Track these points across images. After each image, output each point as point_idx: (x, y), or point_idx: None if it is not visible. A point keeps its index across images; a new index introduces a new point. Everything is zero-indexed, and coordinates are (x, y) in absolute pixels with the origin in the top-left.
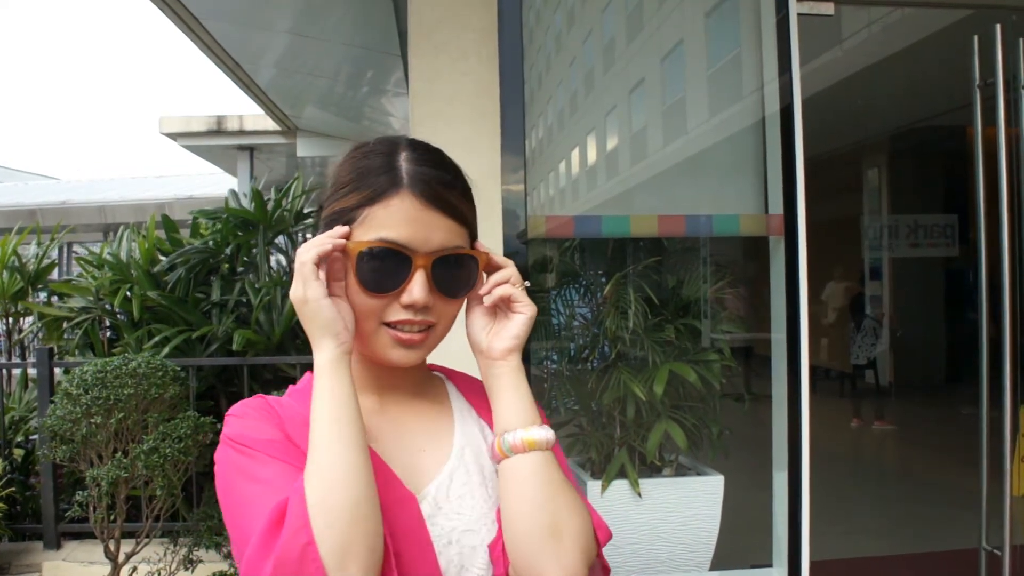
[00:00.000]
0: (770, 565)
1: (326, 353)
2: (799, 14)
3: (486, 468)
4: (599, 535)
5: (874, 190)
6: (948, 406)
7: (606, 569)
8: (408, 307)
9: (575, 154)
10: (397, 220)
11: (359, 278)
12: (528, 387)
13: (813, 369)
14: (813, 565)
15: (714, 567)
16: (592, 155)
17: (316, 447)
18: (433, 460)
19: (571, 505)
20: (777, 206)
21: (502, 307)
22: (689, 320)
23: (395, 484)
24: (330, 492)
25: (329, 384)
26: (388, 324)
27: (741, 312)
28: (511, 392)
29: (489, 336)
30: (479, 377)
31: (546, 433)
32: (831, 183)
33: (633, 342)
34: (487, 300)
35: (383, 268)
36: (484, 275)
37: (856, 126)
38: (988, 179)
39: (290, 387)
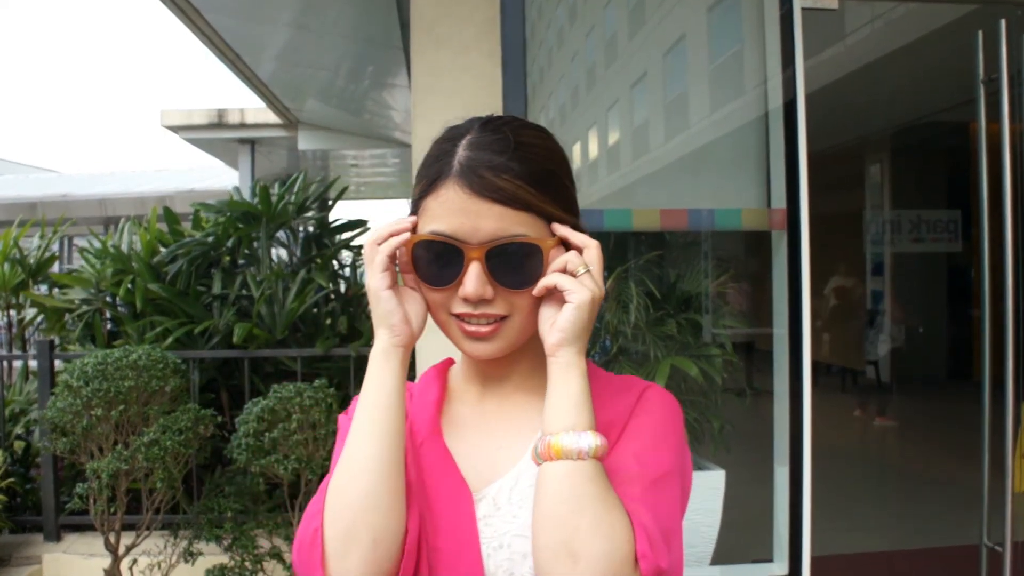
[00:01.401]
0: (771, 560)
1: (377, 344)
2: (803, 8)
3: None
4: (641, 566)
5: (876, 185)
6: (949, 402)
7: None
8: (466, 300)
9: (577, 148)
10: (446, 211)
11: (417, 271)
12: (579, 387)
13: (815, 365)
14: (814, 560)
15: (715, 562)
16: (594, 149)
17: (348, 436)
18: (507, 459)
19: (596, 526)
20: (780, 200)
21: (558, 296)
22: (691, 314)
23: (453, 479)
24: (345, 481)
25: (372, 374)
26: (456, 315)
27: (743, 307)
28: (555, 391)
29: (546, 329)
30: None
31: (580, 441)
32: (834, 178)
33: (635, 336)
34: (535, 291)
35: (437, 261)
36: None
37: (859, 121)
38: (991, 175)
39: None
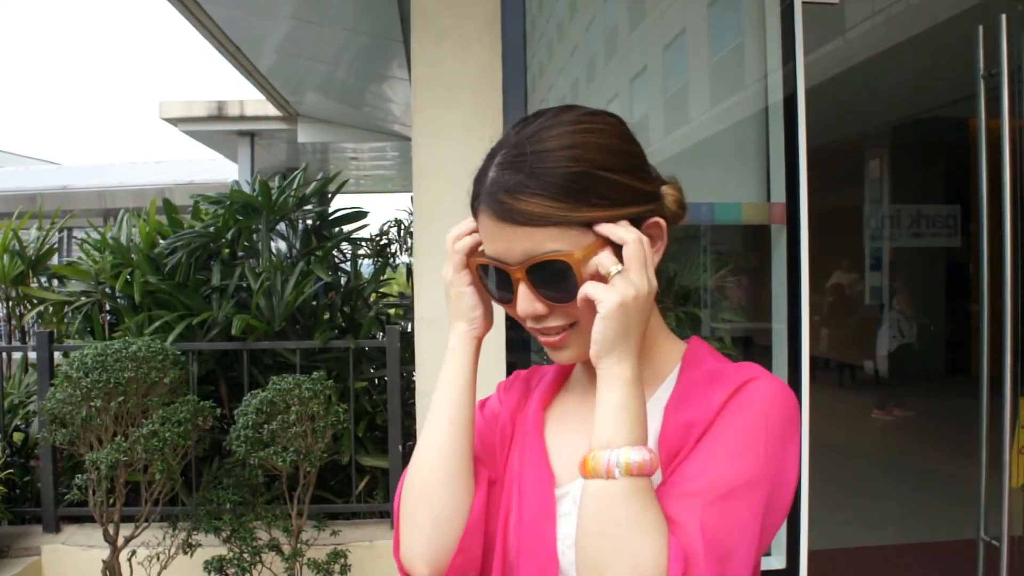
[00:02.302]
0: (768, 554)
1: (452, 337)
2: (804, 2)
3: None
4: None
5: (876, 180)
6: (948, 397)
7: None
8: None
9: None
10: (486, 235)
11: (486, 288)
12: (619, 399)
13: (813, 360)
14: (812, 554)
15: None
16: None
17: (424, 424)
18: None
19: (620, 551)
20: (779, 195)
21: None
22: (690, 308)
23: (542, 471)
24: (414, 468)
25: (447, 367)
26: (530, 328)
27: (742, 301)
28: (598, 404)
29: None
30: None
31: (612, 458)
32: (833, 173)
33: None
34: (579, 304)
35: (495, 281)
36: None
37: (859, 116)
38: (991, 170)
39: None
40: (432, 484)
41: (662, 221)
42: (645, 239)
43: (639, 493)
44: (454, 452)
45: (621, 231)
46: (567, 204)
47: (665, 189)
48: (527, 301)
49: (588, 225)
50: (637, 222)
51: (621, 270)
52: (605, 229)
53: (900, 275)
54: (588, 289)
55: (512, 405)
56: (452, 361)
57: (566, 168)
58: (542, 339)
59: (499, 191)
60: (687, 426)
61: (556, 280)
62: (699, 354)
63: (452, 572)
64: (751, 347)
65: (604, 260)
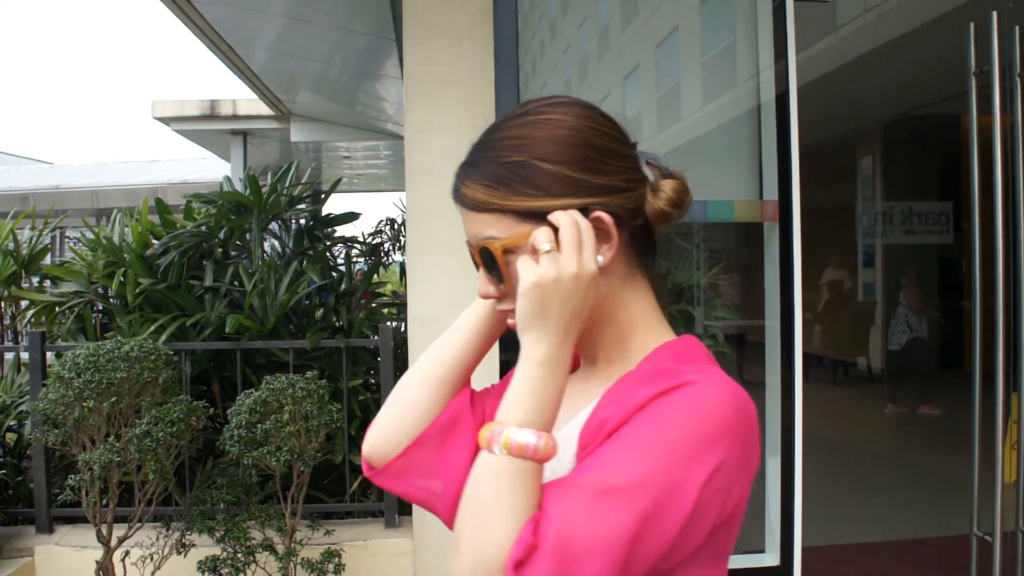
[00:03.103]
0: (763, 551)
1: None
2: (796, 0)
3: (558, 470)
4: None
5: (868, 177)
6: (941, 393)
7: None
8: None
9: None
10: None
11: None
12: (523, 379)
13: (806, 356)
14: (805, 551)
15: None
16: None
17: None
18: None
19: (476, 523)
20: (772, 192)
21: None
22: (683, 306)
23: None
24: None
25: (457, 320)
26: None
27: (735, 298)
28: (511, 382)
29: None
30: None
31: (496, 435)
32: (826, 170)
33: None
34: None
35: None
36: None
37: (851, 113)
38: (983, 167)
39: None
40: (408, 387)
41: (604, 216)
42: (584, 223)
43: (513, 474)
44: (436, 373)
45: (558, 213)
46: (500, 192)
47: (662, 184)
48: (481, 282)
49: (523, 214)
50: (584, 214)
51: (549, 250)
52: (554, 215)
53: (907, 271)
54: (518, 266)
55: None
56: (463, 318)
57: (504, 157)
58: (509, 322)
59: (455, 177)
60: (602, 422)
61: (489, 264)
62: (665, 352)
63: (402, 459)
64: (744, 344)
65: (539, 237)
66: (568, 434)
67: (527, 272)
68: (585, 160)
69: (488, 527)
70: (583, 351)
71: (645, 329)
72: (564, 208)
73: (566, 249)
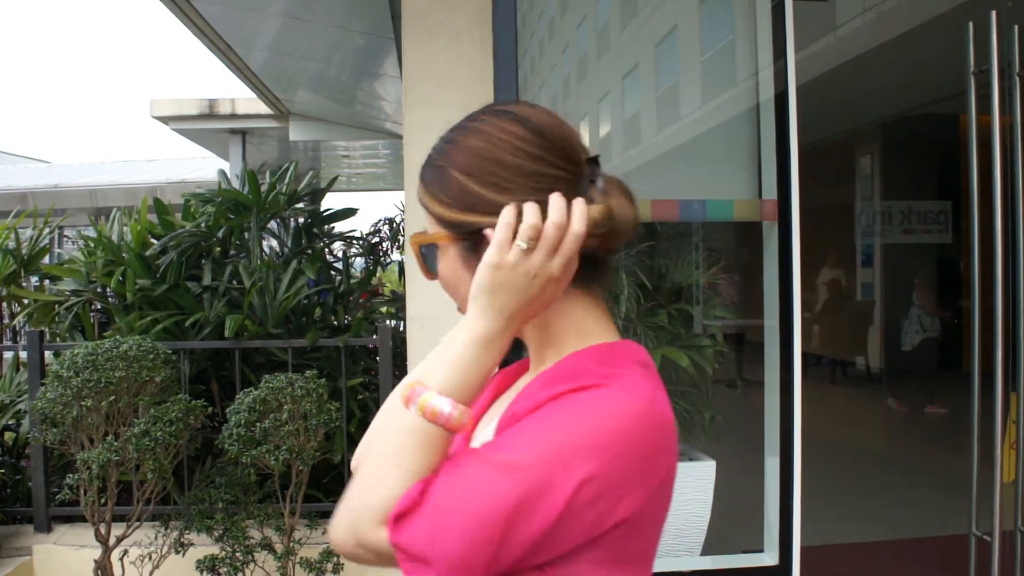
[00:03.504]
0: (761, 550)
1: None
2: (795, 0)
3: None
4: (388, 528)
5: (867, 177)
6: (940, 393)
7: (407, 556)
8: None
9: None
10: None
11: None
12: (456, 350)
13: (804, 356)
14: (804, 551)
15: (705, 552)
16: (585, 140)
17: None
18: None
19: (373, 468)
20: (771, 191)
21: None
22: (682, 305)
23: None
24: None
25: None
26: None
27: (734, 298)
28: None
29: None
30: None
31: (414, 392)
32: (825, 169)
33: (626, 327)
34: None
35: None
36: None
37: (850, 113)
38: (981, 167)
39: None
40: (392, 409)
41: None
42: (565, 223)
43: (421, 435)
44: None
45: (528, 208)
46: (425, 193)
47: (589, 208)
48: (421, 272)
49: (436, 217)
50: (476, 233)
51: (524, 248)
52: (448, 220)
53: (919, 272)
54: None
55: None
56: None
57: (433, 160)
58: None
59: None
60: (514, 415)
61: (416, 253)
62: (588, 354)
63: None
64: (743, 343)
65: (521, 232)
66: (493, 427)
67: (492, 253)
68: (492, 176)
69: (383, 477)
70: (530, 354)
71: (579, 335)
72: (471, 223)
73: (539, 247)
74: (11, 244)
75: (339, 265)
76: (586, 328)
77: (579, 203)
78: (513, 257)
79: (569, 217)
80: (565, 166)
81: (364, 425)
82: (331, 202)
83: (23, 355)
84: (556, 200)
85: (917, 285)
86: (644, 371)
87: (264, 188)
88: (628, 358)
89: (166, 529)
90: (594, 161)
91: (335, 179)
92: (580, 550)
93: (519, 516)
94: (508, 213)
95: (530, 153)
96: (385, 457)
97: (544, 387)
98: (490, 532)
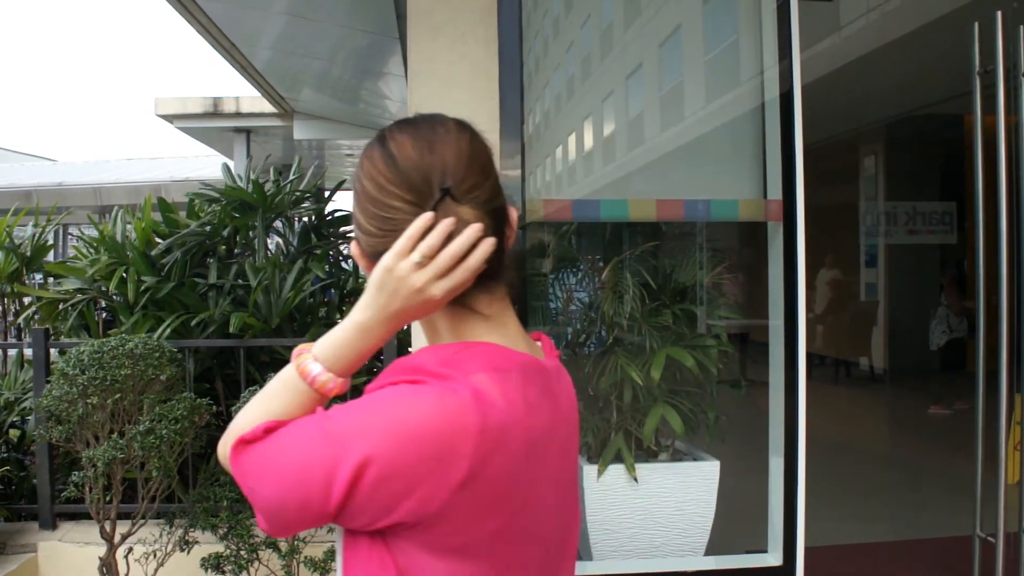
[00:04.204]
0: (765, 550)
1: None
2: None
3: None
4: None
5: (872, 177)
6: (944, 394)
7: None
8: None
9: (572, 138)
10: None
11: None
12: (341, 332)
13: (808, 356)
14: (808, 551)
15: (709, 552)
16: (590, 140)
17: None
18: None
19: (249, 407)
20: (776, 191)
21: None
22: (686, 305)
23: None
24: None
25: None
26: None
27: (738, 298)
28: None
29: None
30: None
31: (306, 360)
32: (829, 170)
33: (630, 327)
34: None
35: None
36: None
37: (855, 113)
38: (987, 167)
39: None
40: None
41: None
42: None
43: (291, 386)
44: None
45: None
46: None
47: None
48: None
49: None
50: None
51: (416, 263)
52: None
53: (948, 272)
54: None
55: None
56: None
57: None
58: None
59: None
60: (365, 391)
61: None
62: (436, 351)
63: None
64: (748, 343)
65: (420, 246)
66: None
67: (388, 257)
68: (358, 196)
69: (251, 410)
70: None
71: (452, 332)
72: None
73: (429, 268)
74: (11, 243)
75: (344, 264)
76: (462, 327)
77: (487, 242)
78: (404, 268)
79: (470, 250)
80: (406, 198)
81: None
82: (335, 201)
83: (27, 352)
84: (470, 231)
85: (945, 285)
86: (493, 376)
87: (269, 187)
88: (480, 362)
89: (171, 527)
90: (447, 192)
91: (342, 182)
92: (401, 530)
93: (323, 479)
94: (417, 225)
95: (381, 186)
96: (261, 395)
97: (391, 373)
98: (299, 486)
